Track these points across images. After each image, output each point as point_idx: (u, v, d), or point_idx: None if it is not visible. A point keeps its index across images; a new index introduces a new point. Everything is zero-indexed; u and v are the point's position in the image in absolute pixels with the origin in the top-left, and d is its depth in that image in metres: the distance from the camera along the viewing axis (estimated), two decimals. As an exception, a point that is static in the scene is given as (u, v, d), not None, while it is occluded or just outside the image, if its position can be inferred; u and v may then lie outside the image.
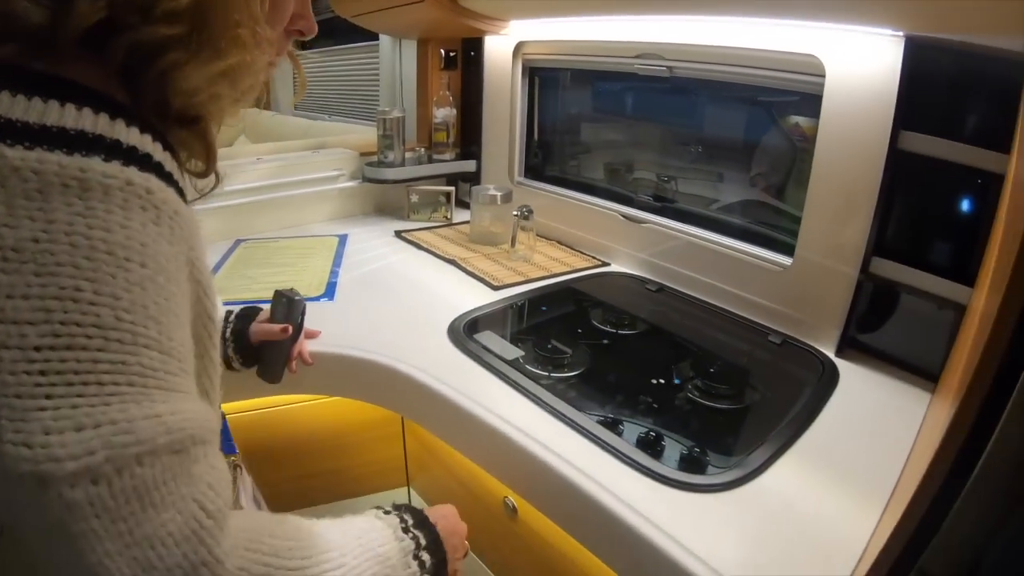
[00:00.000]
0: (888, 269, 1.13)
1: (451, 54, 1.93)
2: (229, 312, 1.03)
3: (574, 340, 1.24)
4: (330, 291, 1.38)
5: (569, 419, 0.97)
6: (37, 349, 0.39)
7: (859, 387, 1.13)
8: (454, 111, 1.96)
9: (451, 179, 2.03)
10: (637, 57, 1.45)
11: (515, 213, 1.56)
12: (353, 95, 3.18)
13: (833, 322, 1.21)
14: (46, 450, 0.38)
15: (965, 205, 1.04)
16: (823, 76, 1.13)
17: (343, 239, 1.73)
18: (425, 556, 0.65)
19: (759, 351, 1.27)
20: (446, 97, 1.93)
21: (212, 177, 0.63)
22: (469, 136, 2.00)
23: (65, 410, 0.39)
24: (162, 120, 0.52)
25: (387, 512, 0.68)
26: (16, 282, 0.39)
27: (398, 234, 1.79)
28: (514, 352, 1.18)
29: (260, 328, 1.01)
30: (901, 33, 1.02)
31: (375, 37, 2.41)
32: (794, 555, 0.77)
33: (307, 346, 1.09)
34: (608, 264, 1.64)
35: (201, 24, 0.49)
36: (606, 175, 1.81)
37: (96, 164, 0.41)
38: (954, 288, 1.05)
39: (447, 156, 1.99)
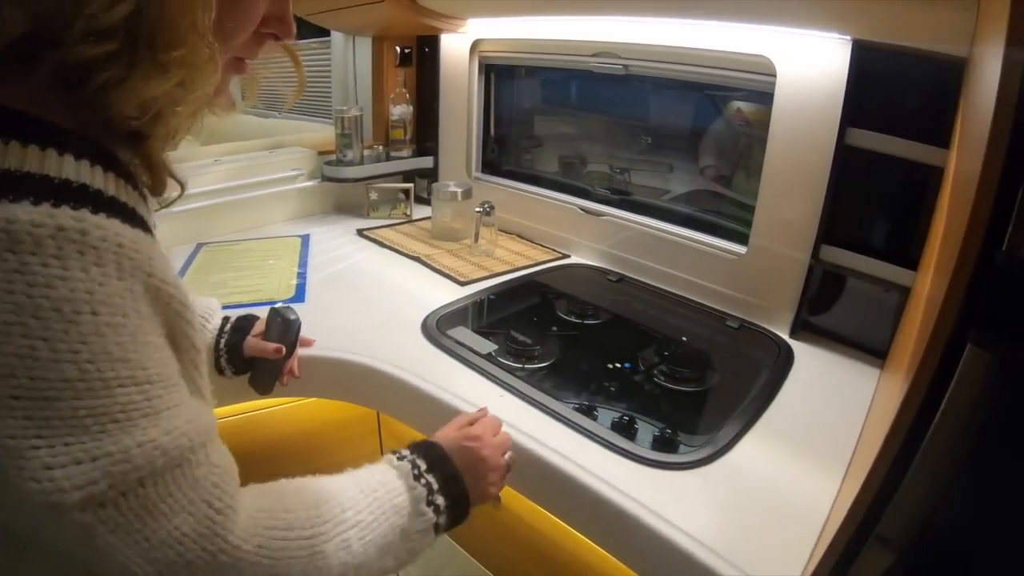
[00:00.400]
0: (837, 256, 1.21)
1: (406, 51, 1.94)
2: (225, 320, 1.04)
3: (543, 332, 1.29)
4: (299, 293, 1.39)
5: (547, 407, 1.02)
6: (15, 398, 0.39)
7: (814, 366, 1.21)
8: (410, 108, 1.97)
9: (408, 176, 2.05)
10: (594, 56, 1.50)
11: (478, 209, 1.60)
12: (305, 92, 3.13)
13: (787, 306, 1.29)
14: (52, 483, 0.39)
15: (907, 196, 1.13)
16: (774, 76, 1.20)
17: (305, 239, 1.73)
18: (439, 500, 0.68)
19: (718, 335, 1.34)
20: (403, 94, 1.94)
21: (174, 187, 0.59)
22: (425, 133, 2.02)
23: (59, 447, 0.39)
24: (109, 137, 0.49)
25: (400, 457, 0.69)
26: None
27: (360, 232, 1.80)
28: (487, 346, 1.22)
29: (254, 344, 1.00)
30: (848, 37, 1.09)
31: (327, 33, 2.40)
32: (766, 522, 0.83)
33: (295, 359, 1.10)
34: (568, 256, 1.69)
35: (135, 41, 0.44)
36: (561, 168, 1.86)
37: (22, 212, 0.38)
38: (898, 272, 1.13)
39: (404, 153, 2.01)
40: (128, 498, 0.42)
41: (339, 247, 1.70)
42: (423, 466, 0.69)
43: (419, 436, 1.09)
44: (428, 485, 0.68)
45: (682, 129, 1.55)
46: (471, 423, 0.82)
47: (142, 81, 0.45)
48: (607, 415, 1.04)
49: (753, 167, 1.30)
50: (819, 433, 1.01)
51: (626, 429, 1.01)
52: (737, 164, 1.46)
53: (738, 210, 1.40)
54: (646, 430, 1.02)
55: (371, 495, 0.62)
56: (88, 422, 0.40)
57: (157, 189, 0.56)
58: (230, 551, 0.47)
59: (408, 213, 1.96)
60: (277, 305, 1.04)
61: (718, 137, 1.48)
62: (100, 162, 0.46)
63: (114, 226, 0.42)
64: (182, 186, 0.60)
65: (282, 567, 0.51)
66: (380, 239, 1.73)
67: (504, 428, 0.93)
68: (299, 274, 1.49)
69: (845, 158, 1.15)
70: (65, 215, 0.39)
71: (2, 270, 0.37)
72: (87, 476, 0.40)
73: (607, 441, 0.94)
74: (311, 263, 1.57)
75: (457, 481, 0.71)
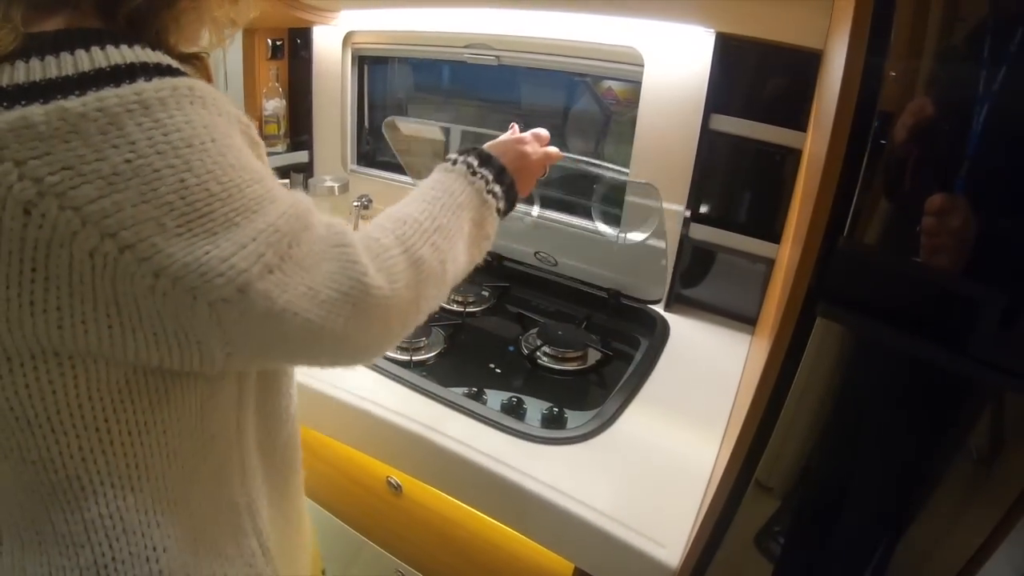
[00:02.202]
0: (705, 233, 1.29)
1: (278, 43, 1.89)
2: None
3: (427, 323, 1.30)
4: None
5: (438, 396, 1.04)
6: (179, 227, 0.46)
7: (689, 335, 1.29)
8: (284, 102, 1.92)
9: (284, 171, 2.00)
10: (466, 47, 1.52)
11: (355, 203, 1.59)
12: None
13: (661, 282, 1.36)
14: (234, 268, 0.47)
15: (768, 175, 1.22)
16: (642, 65, 1.26)
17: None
18: (496, 188, 0.77)
19: (597, 314, 1.40)
20: (275, 88, 1.89)
21: None
22: (300, 127, 1.97)
23: (225, 244, 0.47)
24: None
25: (453, 163, 0.77)
26: (132, 196, 0.44)
27: (237, 230, 1.73)
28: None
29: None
30: (712, 30, 1.17)
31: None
32: (657, 483, 0.89)
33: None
34: (448, 245, 1.70)
35: None
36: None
37: (144, 85, 0.46)
38: (762, 245, 1.23)
39: (279, 148, 1.95)
40: (286, 260, 0.51)
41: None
42: (475, 163, 0.77)
43: (317, 435, 1.10)
44: (484, 177, 0.77)
45: (555, 112, 1.58)
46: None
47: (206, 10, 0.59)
48: (496, 398, 1.08)
49: (623, 146, 1.36)
50: (698, 397, 1.09)
51: (515, 410, 1.04)
52: (606, 143, 1.51)
53: (611, 191, 1.46)
54: (535, 409, 1.06)
55: (438, 202, 0.70)
56: (238, 218, 0.48)
57: None
58: (369, 274, 0.56)
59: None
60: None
61: (590, 119, 1.53)
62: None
63: (200, 83, 0.51)
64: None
65: (400, 279, 0.60)
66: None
67: (398, 418, 0.97)
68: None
69: (710, 142, 1.23)
70: (173, 81, 0.48)
71: (144, 129, 0.45)
72: (255, 251, 0.48)
73: (498, 423, 0.98)
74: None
75: (505, 172, 0.80)
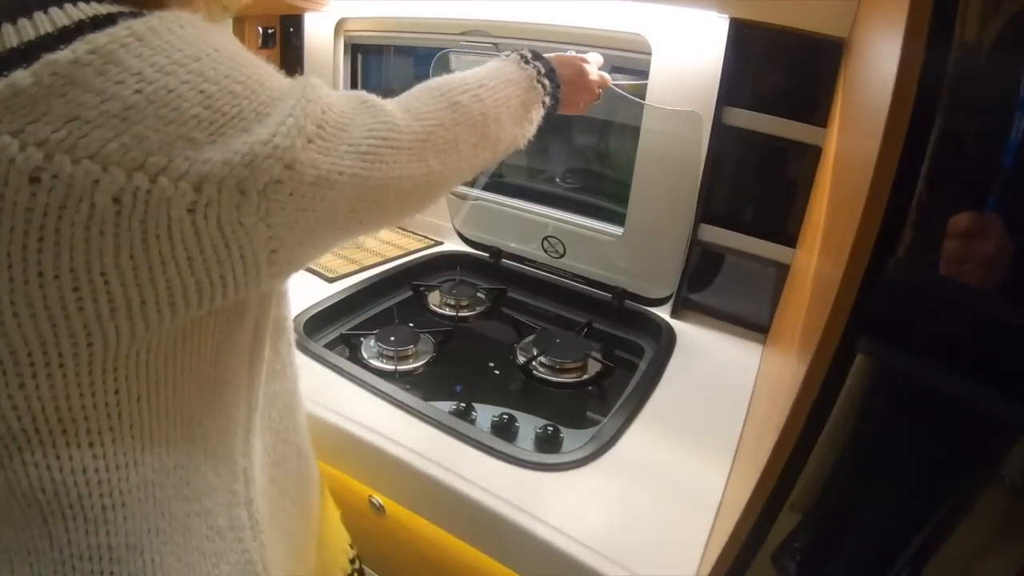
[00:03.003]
0: (716, 234, 1.20)
1: (269, 31, 1.81)
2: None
3: (416, 328, 1.22)
4: None
5: (421, 413, 0.95)
6: (211, 135, 0.44)
7: (696, 345, 1.21)
8: (275, 92, 1.85)
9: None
10: (463, 34, 1.43)
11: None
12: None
13: (667, 286, 1.28)
14: (278, 148, 0.47)
15: (785, 174, 1.13)
16: (649, 54, 1.16)
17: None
18: (545, 81, 0.80)
19: (599, 320, 1.31)
20: (266, 77, 1.82)
21: None
22: (291, 117, 1.90)
23: (261, 130, 0.47)
24: None
25: (507, 55, 0.81)
26: (153, 123, 0.42)
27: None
28: (358, 349, 1.15)
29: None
30: (726, 16, 1.07)
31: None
32: (662, 514, 0.81)
33: None
34: (442, 243, 1.63)
35: None
36: None
37: (131, 21, 0.44)
38: (775, 249, 1.14)
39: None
40: (323, 127, 0.51)
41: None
42: (529, 56, 0.80)
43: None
44: (537, 68, 0.79)
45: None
46: None
47: None
48: (486, 414, 1.00)
49: (629, 140, 1.27)
50: (706, 413, 1.00)
51: (506, 429, 0.96)
52: (611, 139, 1.43)
53: (616, 187, 1.37)
54: (527, 427, 0.98)
55: (488, 77, 0.72)
56: (267, 108, 0.48)
57: None
58: (398, 116, 0.58)
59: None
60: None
61: (593, 111, 1.43)
62: None
63: (185, 12, 0.49)
64: None
65: (432, 118, 0.62)
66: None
67: (377, 439, 0.89)
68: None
69: (722, 137, 1.13)
70: (159, 13, 0.46)
71: (144, 59, 0.43)
72: (294, 125, 0.48)
73: (487, 446, 0.89)
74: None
75: (555, 73, 0.82)
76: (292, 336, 0.71)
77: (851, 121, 0.68)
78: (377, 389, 1.00)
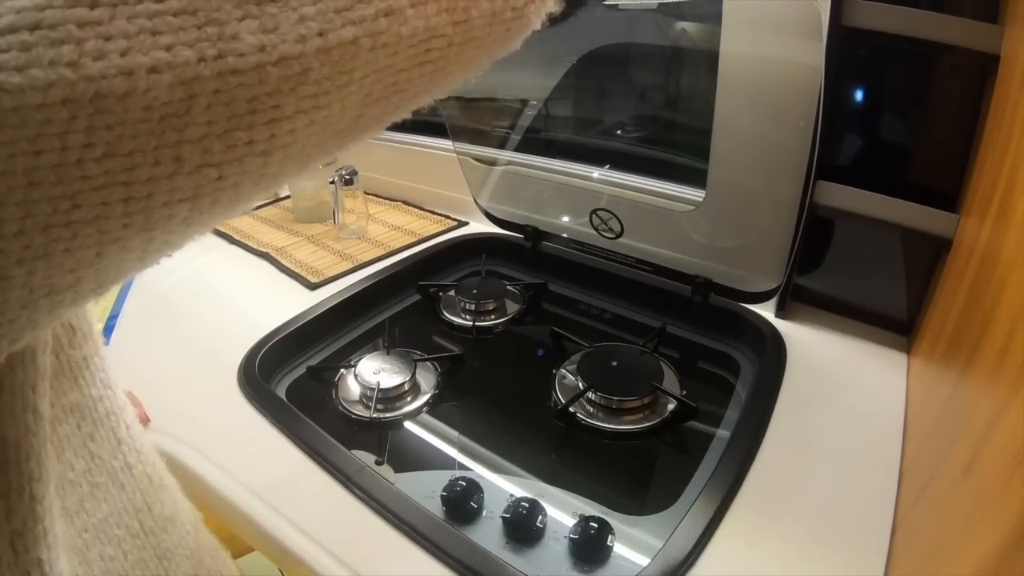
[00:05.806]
0: (838, 196, 0.79)
1: None
2: None
3: (419, 348, 0.89)
4: (107, 330, 0.96)
5: (395, 514, 0.61)
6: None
7: (817, 359, 0.82)
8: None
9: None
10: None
11: (330, 180, 1.17)
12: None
13: (770, 273, 0.88)
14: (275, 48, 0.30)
15: (945, 103, 0.71)
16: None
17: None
18: None
19: (672, 327, 0.93)
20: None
21: None
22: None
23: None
24: None
25: None
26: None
27: (211, 223, 1.36)
28: (330, 397, 0.83)
29: None
30: None
31: None
32: None
33: None
34: (466, 223, 1.27)
35: None
36: (443, 103, 1.35)
37: None
38: (925, 214, 0.73)
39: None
40: None
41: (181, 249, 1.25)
42: None
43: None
44: None
45: (618, 51, 1.04)
46: None
47: None
48: (498, 502, 0.64)
49: (707, 77, 0.87)
50: (851, 489, 0.62)
51: (524, 529, 0.61)
52: (683, 77, 1.02)
53: (691, 136, 0.96)
54: (561, 518, 0.63)
55: None
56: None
57: None
58: None
59: (275, 191, 1.52)
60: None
61: (659, 55, 1.03)
62: None
63: None
64: None
65: None
66: (230, 231, 1.29)
67: (316, 554, 0.57)
68: (118, 298, 1.04)
69: (846, 48, 0.71)
70: None
71: None
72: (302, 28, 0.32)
73: (494, 566, 0.54)
74: (138, 279, 1.10)
75: None
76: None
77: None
78: (330, 463, 0.66)
